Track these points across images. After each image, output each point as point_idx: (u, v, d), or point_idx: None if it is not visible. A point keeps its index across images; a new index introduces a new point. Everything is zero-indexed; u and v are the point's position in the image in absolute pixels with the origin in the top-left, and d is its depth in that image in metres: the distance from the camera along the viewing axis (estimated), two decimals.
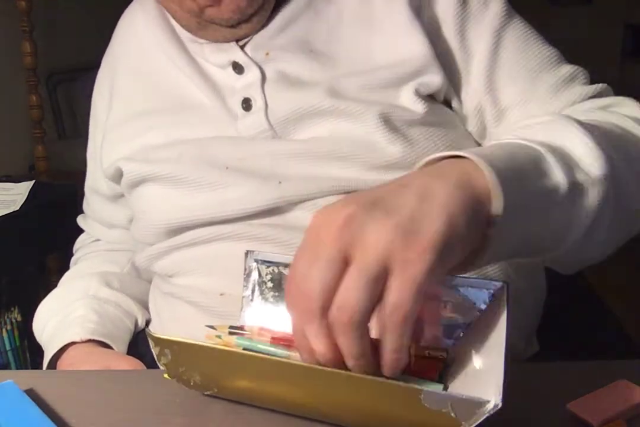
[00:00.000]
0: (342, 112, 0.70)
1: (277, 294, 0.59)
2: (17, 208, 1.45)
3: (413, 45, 0.71)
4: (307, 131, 0.72)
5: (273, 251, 0.67)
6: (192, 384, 0.53)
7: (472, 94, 0.74)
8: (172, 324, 0.77)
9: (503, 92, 0.73)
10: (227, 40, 0.76)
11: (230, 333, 0.57)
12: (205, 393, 0.55)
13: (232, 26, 0.74)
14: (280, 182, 0.70)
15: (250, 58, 0.75)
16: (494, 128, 0.74)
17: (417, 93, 0.71)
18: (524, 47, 0.74)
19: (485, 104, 0.74)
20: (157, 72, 0.80)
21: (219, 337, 0.55)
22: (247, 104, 0.74)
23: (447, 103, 0.75)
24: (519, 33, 0.74)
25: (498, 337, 0.49)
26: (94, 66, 0.91)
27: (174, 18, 0.78)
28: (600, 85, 0.73)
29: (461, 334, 0.54)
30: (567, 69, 0.74)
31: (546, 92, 0.72)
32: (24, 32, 1.96)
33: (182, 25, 0.78)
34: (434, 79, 0.71)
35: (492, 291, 0.52)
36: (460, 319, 0.54)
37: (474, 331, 0.53)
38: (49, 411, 0.54)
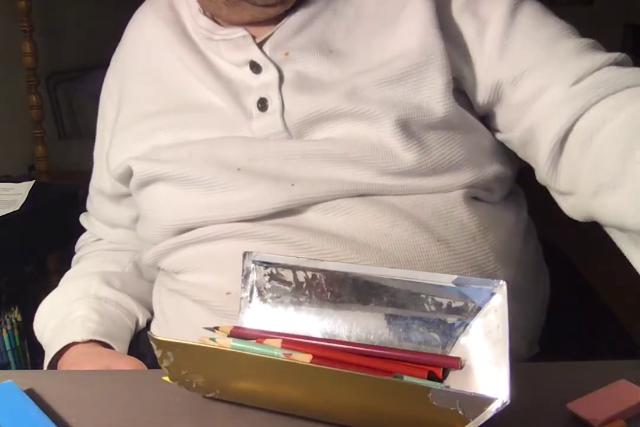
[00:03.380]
0: (359, 116, 0.70)
1: (275, 295, 0.59)
2: (17, 208, 1.44)
3: (424, 37, 0.70)
4: (322, 133, 0.72)
5: (283, 251, 0.67)
6: (194, 386, 0.53)
7: (487, 60, 0.72)
8: (177, 322, 0.77)
9: (520, 54, 0.71)
10: (254, 20, 0.74)
11: (230, 336, 0.57)
12: (207, 395, 0.55)
13: (267, 5, 0.72)
14: (292, 185, 0.70)
15: (268, 58, 0.74)
16: (512, 94, 0.72)
17: (436, 84, 0.69)
18: (542, 17, 0.73)
19: (500, 70, 0.71)
20: (166, 72, 0.80)
21: (213, 339, 0.55)
22: (263, 104, 0.73)
23: (462, 91, 0.74)
24: (536, 6, 0.73)
25: (500, 334, 0.50)
26: (95, 66, 0.92)
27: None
28: (621, 53, 0.71)
29: (461, 333, 0.54)
30: (588, 39, 0.72)
31: (567, 54, 0.70)
32: (24, 32, 1.95)
33: (206, 6, 0.76)
34: (443, 72, 0.70)
35: (492, 290, 0.52)
36: (461, 317, 0.54)
37: (475, 330, 0.53)
38: (49, 411, 0.54)
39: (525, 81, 0.71)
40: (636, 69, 0.68)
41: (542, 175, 0.71)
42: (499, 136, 0.76)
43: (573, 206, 0.69)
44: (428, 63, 0.70)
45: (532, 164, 0.73)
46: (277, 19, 0.75)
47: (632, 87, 0.66)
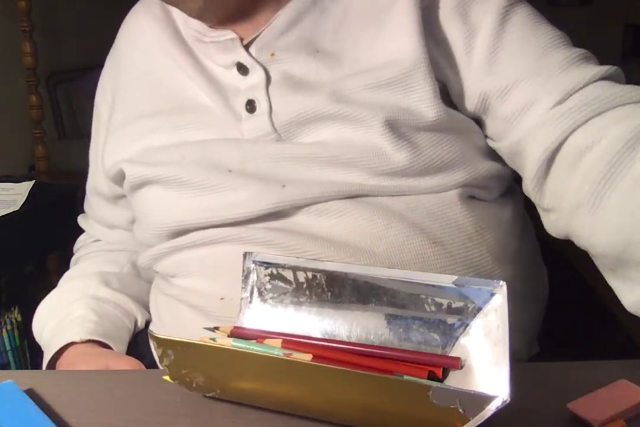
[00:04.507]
0: (347, 118, 0.69)
1: (275, 295, 0.59)
2: (17, 208, 1.44)
3: (412, 42, 0.69)
4: (312, 135, 0.72)
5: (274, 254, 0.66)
6: (194, 385, 0.53)
7: (475, 71, 0.71)
8: (173, 325, 0.77)
9: (509, 66, 0.69)
10: (201, 11, 0.72)
11: (229, 336, 0.57)
12: (207, 395, 0.55)
13: None
14: (284, 186, 0.70)
15: (254, 59, 0.74)
16: (499, 106, 0.70)
17: (423, 90, 0.69)
18: (532, 25, 0.71)
19: (488, 81, 0.70)
20: (160, 73, 0.80)
21: (213, 339, 0.55)
22: (251, 106, 0.73)
23: (448, 94, 0.73)
24: (527, 12, 0.72)
25: (500, 334, 0.50)
26: (94, 66, 0.91)
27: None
28: (612, 66, 0.68)
29: (462, 334, 0.54)
30: (579, 50, 0.70)
31: (556, 67, 0.68)
32: (24, 32, 1.96)
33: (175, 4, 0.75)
34: (430, 76, 0.69)
35: (492, 290, 0.52)
36: (461, 318, 0.54)
37: (475, 330, 0.53)
38: (49, 411, 0.54)
39: (513, 94, 0.69)
40: (626, 86, 0.67)
41: (529, 190, 0.70)
42: (489, 143, 0.75)
43: (553, 223, 0.69)
44: (416, 68, 0.69)
45: (521, 175, 0.72)
46: (264, 19, 0.74)
47: (620, 107, 0.65)
